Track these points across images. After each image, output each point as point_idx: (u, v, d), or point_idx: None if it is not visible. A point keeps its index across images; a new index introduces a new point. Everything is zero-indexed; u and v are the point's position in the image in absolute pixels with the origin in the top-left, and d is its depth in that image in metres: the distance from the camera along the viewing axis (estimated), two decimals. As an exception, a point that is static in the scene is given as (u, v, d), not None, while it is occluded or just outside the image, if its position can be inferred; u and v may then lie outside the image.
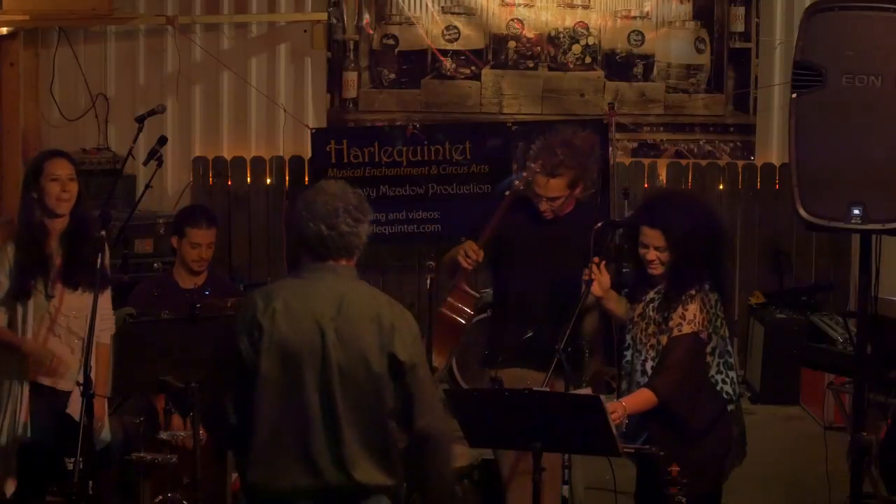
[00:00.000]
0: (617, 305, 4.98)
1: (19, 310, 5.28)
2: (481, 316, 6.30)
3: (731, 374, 4.84)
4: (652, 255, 4.78)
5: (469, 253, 5.42)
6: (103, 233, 5.16)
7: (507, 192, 5.59)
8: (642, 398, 4.69)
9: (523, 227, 5.46)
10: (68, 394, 5.25)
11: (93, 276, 5.12)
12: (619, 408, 4.64)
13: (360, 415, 3.92)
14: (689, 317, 4.70)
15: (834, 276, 8.93)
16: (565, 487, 5.14)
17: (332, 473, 3.90)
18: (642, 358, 4.81)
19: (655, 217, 4.80)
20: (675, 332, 4.71)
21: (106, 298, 5.41)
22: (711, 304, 4.74)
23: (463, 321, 5.63)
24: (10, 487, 5.37)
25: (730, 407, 4.81)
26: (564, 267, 5.21)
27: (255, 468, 3.91)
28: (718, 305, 4.77)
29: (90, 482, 5.10)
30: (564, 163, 5.38)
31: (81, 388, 4.94)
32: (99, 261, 5.08)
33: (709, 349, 4.76)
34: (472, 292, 5.67)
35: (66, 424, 5.22)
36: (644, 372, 4.79)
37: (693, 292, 4.71)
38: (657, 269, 4.80)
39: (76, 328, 5.19)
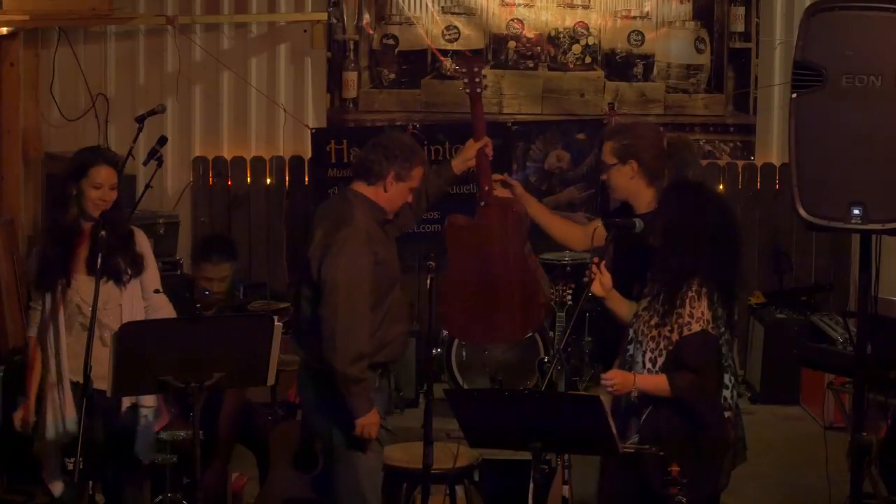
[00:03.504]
0: (620, 306, 4.97)
1: (47, 302, 5.30)
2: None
3: (731, 378, 4.84)
4: None
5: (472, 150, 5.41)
6: (103, 233, 5.15)
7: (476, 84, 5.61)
8: (658, 380, 4.70)
9: None
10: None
11: (118, 266, 5.24)
12: (629, 378, 4.67)
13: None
14: (697, 314, 4.70)
15: (834, 276, 8.93)
16: (565, 488, 5.14)
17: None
18: (643, 349, 4.81)
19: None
20: (685, 332, 4.71)
21: (150, 278, 5.39)
22: (720, 305, 4.76)
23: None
24: (57, 489, 5.36)
25: (727, 413, 4.81)
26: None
27: None
28: (716, 308, 4.78)
29: (90, 482, 5.09)
30: (616, 129, 5.33)
31: (81, 387, 4.95)
32: (99, 261, 5.10)
33: None
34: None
35: (111, 424, 5.24)
36: (644, 364, 4.79)
37: (699, 287, 4.72)
38: None
39: (106, 320, 5.17)
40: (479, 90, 5.58)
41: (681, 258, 4.74)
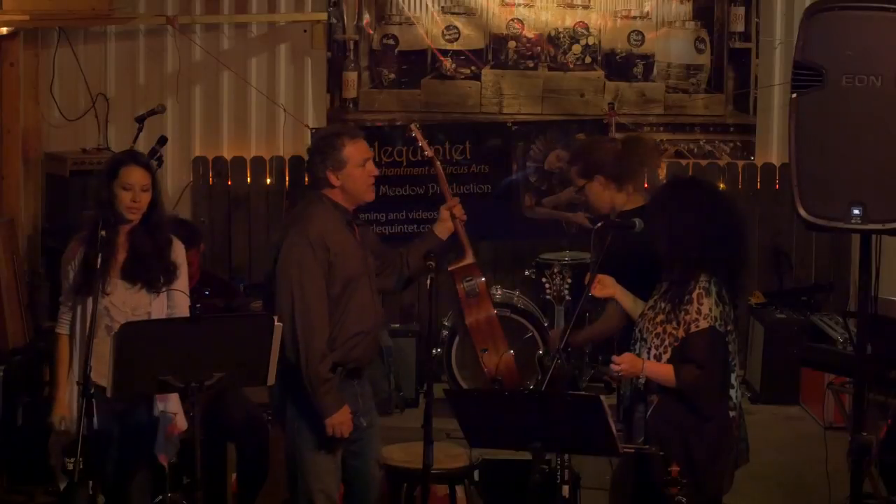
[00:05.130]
0: (627, 300, 5.01)
1: (80, 307, 5.25)
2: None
3: (736, 377, 4.85)
4: None
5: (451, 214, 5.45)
6: (103, 233, 5.14)
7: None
8: (664, 369, 4.74)
9: None
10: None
11: (152, 273, 5.21)
12: (637, 362, 4.70)
13: None
14: (705, 311, 4.73)
15: (834, 276, 8.92)
16: (565, 488, 5.13)
17: None
18: (647, 346, 4.83)
19: (656, 201, 4.97)
20: (693, 328, 4.73)
21: (180, 296, 5.33)
22: (726, 301, 4.77)
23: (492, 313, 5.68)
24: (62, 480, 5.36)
25: (731, 413, 4.82)
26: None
27: None
28: (724, 303, 4.80)
29: (90, 482, 5.09)
30: (575, 153, 5.65)
31: (82, 387, 4.95)
32: (99, 261, 5.08)
33: None
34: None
35: (125, 425, 5.23)
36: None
37: (706, 282, 4.73)
38: None
39: None
40: (427, 153, 5.70)
41: (685, 254, 4.75)
